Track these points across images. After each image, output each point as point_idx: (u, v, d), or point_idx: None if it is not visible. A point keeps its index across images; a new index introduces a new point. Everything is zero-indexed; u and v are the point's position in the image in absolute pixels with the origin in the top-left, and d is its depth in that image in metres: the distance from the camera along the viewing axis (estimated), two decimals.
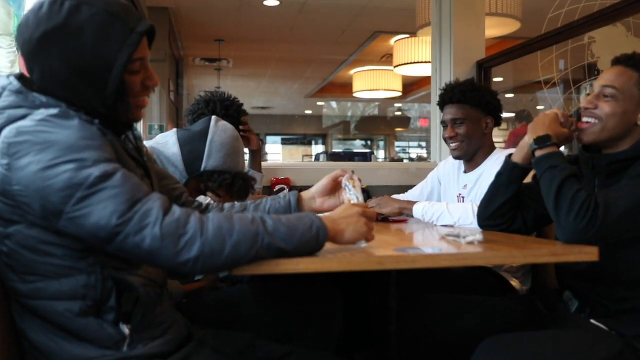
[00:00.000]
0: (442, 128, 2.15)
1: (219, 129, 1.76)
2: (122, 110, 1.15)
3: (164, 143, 1.74)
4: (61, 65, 1.07)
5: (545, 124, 1.51)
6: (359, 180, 1.41)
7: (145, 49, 1.16)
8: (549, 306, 1.74)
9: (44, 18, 1.06)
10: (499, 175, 1.63)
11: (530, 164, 1.54)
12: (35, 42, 1.07)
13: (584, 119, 1.49)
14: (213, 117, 1.80)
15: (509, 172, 1.59)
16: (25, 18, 1.09)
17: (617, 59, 1.51)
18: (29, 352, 1.11)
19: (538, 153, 1.46)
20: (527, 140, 1.53)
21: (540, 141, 1.47)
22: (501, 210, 1.61)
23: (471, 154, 2.10)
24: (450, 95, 2.10)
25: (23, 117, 1.05)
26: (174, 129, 1.79)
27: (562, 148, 1.56)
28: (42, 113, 1.04)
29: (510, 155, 1.61)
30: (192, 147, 1.73)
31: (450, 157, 2.31)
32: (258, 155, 2.51)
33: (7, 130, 1.03)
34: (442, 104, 2.14)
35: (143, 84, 1.17)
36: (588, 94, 1.53)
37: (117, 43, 1.08)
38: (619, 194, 1.32)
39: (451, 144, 2.10)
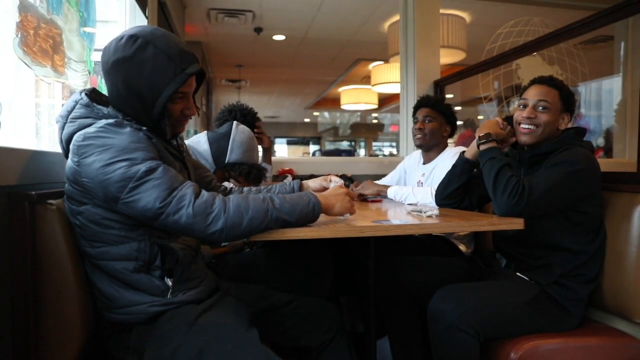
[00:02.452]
0: (413, 124, 2.13)
1: (239, 131, 1.75)
2: (163, 127, 1.13)
3: (197, 142, 1.73)
4: (123, 86, 1.07)
5: (488, 127, 1.51)
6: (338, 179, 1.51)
7: (190, 86, 1.14)
8: (486, 264, 1.75)
9: (120, 48, 1.06)
10: (454, 167, 1.62)
11: (477, 160, 1.54)
12: (110, 65, 1.07)
13: (525, 126, 1.46)
14: (234, 122, 1.78)
15: (462, 165, 1.59)
16: (109, 44, 1.09)
17: (541, 80, 1.49)
18: (98, 297, 1.12)
19: (482, 147, 1.47)
20: (475, 143, 1.53)
21: (483, 138, 1.48)
22: (454, 193, 1.61)
23: (429, 146, 2.09)
24: (427, 101, 2.11)
25: (89, 125, 1.04)
26: (205, 131, 1.78)
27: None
28: (102, 122, 1.04)
29: (463, 152, 1.61)
30: (218, 145, 1.72)
31: (414, 152, 2.31)
32: (269, 151, 2.50)
33: (77, 135, 1.03)
34: (418, 106, 2.13)
35: (182, 112, 1.15)
36: (519, 106, 1.49)
37: (168, 79, 1.07)
38: (539, 180, 1.32)
39: (417, 135, 2.08)
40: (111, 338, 1.12)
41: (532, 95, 1.46)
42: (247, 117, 2.25)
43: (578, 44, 3.69)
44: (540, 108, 1.44)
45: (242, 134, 1.75)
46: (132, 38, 1.06)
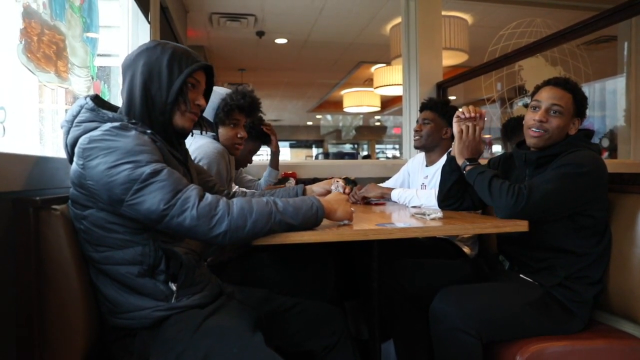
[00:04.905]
0: (415, 124, 2.16)
1: None
2: (178, 117, 1.17)
3: (201, 145, 1.68)
4: (144, 70, 1.12)
5: (471, 148, 1.51)
6: (342, 184, 1.54)
7: (202, 78, 1.21)
8: (490, 266, 1.74)
9: (144, 45, 1.15)
10: (443, 167, 1.64)
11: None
12: (133, 58, 1.14)
13: (535, 129, 1.44)
14: None
15: (450, 163, 1.60)
16: (132, 52, 1.17)
17: (556, 82, 1.46)
18: (103, 302, 1.12)
19: (468, 168, 1.48)
20: (455, 148, 1.55)
21: (469, 161, 1.49)
22: (451, 192, 1.60)
23: (426, 147, 2.11)
24: (427, 104, 2.14)
25: (95, 129, 1.05)
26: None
27: (499, 148, 1.56)
28: (108, 126, 1.05)
29: (450, 151, 1.61)
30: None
31: (417, 155, 2.31)
32: (276, 156, 2.46)
33: (82, 139, 1.04)
34: (421, 109, 2.16)
35: (194, 102, 1.19)
36: (531, 108, 1.47)
37: (186, 64, 1.14)
38: (542, 180, 1.32)
39: (414, 137, 2.12)
40: (115, 343, 1.12)
41: (546, 97, 1.44)
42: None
43: (581, 44, 3.69)
44: (553, 112, 1.42)
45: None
46: (154, 41, 1.17)
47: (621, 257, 1.38)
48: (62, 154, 1.14)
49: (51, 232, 1.04)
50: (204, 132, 1.73)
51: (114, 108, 1.18)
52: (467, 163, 1.49)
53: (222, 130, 1.75)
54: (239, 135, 1.77)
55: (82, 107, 1.09)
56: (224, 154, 1.70)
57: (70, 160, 1.09)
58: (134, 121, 1.10)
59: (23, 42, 1.22)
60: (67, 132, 1.09)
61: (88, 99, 1.11)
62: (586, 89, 4.02)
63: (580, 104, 1.44)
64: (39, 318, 1.03)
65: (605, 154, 4.01)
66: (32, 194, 1.06)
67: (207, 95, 1.27)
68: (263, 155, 2.63)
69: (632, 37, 3.58)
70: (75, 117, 1.09)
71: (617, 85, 3.93)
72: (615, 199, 1.43)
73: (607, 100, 4.17)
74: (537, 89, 1.50)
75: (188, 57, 1.16)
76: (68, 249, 1.06)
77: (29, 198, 1.02)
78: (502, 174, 1.54)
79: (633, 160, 3.40)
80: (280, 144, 2.36)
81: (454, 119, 1.55)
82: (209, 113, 1.73)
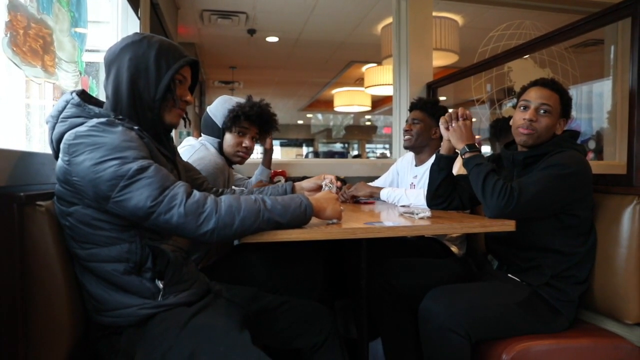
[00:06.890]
0: (404, 124, 2.16)
1: (209, 108, 1.81)
2: (166, 113, 1.16)
3: (202, 157, 1.66)
4: (130, 65, 1.10)
5: (467, 136, 1.50)
6: (332, 182, 1.49)
7: (188, 73, 1.21)
8: (478, 265, 1.76)
9: (128, 38, 1.13)
10: (432, 165, 1.65)
11: (452, 155, 1.58)
12: (117, 52, 1.12)
13: (525, 128, 1.45)
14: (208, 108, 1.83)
15: (438, 162, 1.61)
16: (115, 44, 1.14)
17: (543, 82, 1.48)
18: (88, 300, 1.11)
19: (467, 155, 1.47)
20: (445, 137, 1.55)
21: (469, 147, 1.48)
22: (439, 191, 1.61)
23: (416, 147, 2.11)
24: (416, 103, 2.13)
25: (81, 124, 1.04)
26: (191, 145, 1.77)
27: (488, 148, 1.57)
28: (94, 121, 1.03)
29: (439, 151, 1.62)
30: (210, 130, 1.77)
31: (407, 154, 2.32)
32: (269, 154, 2.43)
33: (68, 134, 1.02)
34: (410, 109, 2.16)
35: (182, 98, 1.18)
36: (520, 107, 1.49)
37: (174, 59, 1.13)
38: (530, 181, 1.33)
39: (405, 137, 2.12)
40: (101, 341, 1.11)
41: (535, 97, 1.46)
42: None
43: (569, 47, 3.73)
44: (542, 111, 1.44)
45: (215, 103, 1.80)
46: (139, 33, 1.13)
47: (605, 256, 1.39)
48: (48, 150, 1.12)
49: (36, 229, 1.03)
50: (197, 137, 1.77)
51: (100, 103, 1.16)
52: (467, 150, 1.47)
53: (227, 136, 1.76)
54: (243, 144, 1.76)
55: (67, 102, 1.08)
56: (223, 170, 1.70)
57: (56, 157, 1.07)
58: (120, 117, 1.09)
59: (8, 35, 1.20)
60: (53, 128, 1.07)
61: (74, 94, 1.09)
62: (574, 91, 4.06)
63: (566, 104, 1.47)
64: (23, 315, 1.01)
65: (592, 156, 4.07)
66: (17, 190, 1.04)
67: (192, 90, 1.26)
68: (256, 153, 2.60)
69: (619, 40, 3.62)
70: (60, 112, 1.07)
71: (603, 88, 3.98)
72: (599, 199, 1.45)
73: (594, 102, 4.22)
74: (524, 89, 1.51)
75: (175, 52, 1.14)
76: (53, 246, 1.04)
77: (13, 193, 1.00)
78: None
79: (618, 162, 3.44)
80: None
81: (440, 123, 1.56)
82: (219, 119, 1.75)
